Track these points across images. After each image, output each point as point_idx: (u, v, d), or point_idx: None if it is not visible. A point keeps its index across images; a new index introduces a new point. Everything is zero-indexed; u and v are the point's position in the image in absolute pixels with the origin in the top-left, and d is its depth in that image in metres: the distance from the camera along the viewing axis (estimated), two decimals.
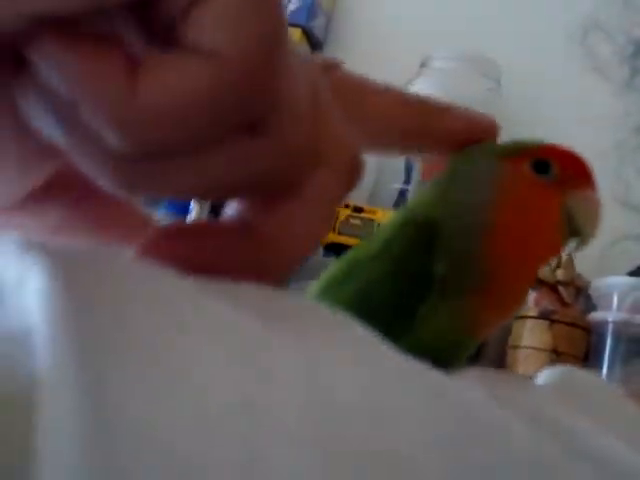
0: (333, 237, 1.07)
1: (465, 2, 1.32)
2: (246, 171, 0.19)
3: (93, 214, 0.24)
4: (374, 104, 0.29)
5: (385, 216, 1.05)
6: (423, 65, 1.19)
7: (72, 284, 0.15)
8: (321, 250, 1.12)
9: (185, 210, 0.91)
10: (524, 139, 0.31)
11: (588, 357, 1.06)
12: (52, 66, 0.17)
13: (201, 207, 0.91)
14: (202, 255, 0.20)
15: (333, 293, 0.30)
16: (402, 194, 1.13)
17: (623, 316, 1.01)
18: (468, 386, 0.20)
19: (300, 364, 0.16)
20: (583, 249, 0.30)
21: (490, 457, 0.17)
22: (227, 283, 0.19)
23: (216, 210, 0.94)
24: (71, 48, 0.17)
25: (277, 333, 0.17)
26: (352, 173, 0.23)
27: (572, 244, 0.30)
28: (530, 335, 1.06)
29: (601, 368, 1.02)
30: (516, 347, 1.07)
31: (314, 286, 0.31)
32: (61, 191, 0.23)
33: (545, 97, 1.25)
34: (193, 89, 0.17)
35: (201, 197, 0.21)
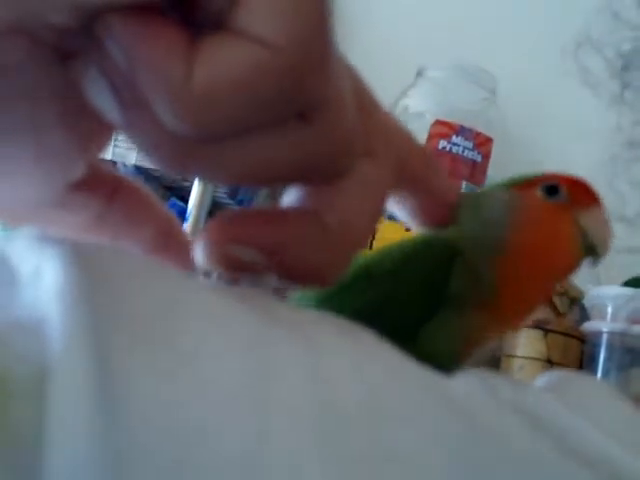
0: None
1: (460, 13, 1.32)
2: (294, 157, 0.20)
3: (124, 213, 0.24)
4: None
5: (382, 224, 1.05)
6: (419, 75, 1.19)
7: (86, 276, 0.16)
8: None
9: (182, 217, 0.91)
10: (528, 173, 0.32)
11: (582, 367, 1.06)
12: (116, 42, 0.17)
13: (198, 213, 0.92)
14: (276, 238, 0.21)
15: (340, 302, 0.31)
16: None
17: (617, 326, 1.02)
18: (468, 386, 0.20)
19: (306, 356, 0.17)
20: (597, 265, 0.31)
21: (490, 456, 0.17)
22: (239, 288, 0.20)
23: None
24: (135, 25, 0.17)
25: (283, 329, 0.18)
26: (400, 169, 0.23)
27: (588, 261, 0.31)
28: (524, 345, 1.06)
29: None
30: (510, 356, 1.07)
31: (312, 293, 0.31)
32: (94, 190, 0.23)
33: (539, 110, 1.26)
34: (247, 72, 0.17)
35: (248, 182, 0.21)
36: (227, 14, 0.17)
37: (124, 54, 0.17)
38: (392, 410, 0.17)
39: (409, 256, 0.31)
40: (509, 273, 0.29)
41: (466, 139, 1.12)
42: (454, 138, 1.11)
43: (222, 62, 0.17)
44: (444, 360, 0.28)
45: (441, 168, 0.27)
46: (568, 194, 0.30)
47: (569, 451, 0.19)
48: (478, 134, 1.13)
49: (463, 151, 1.12)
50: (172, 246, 0.25)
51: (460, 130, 1.12)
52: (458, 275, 0.29)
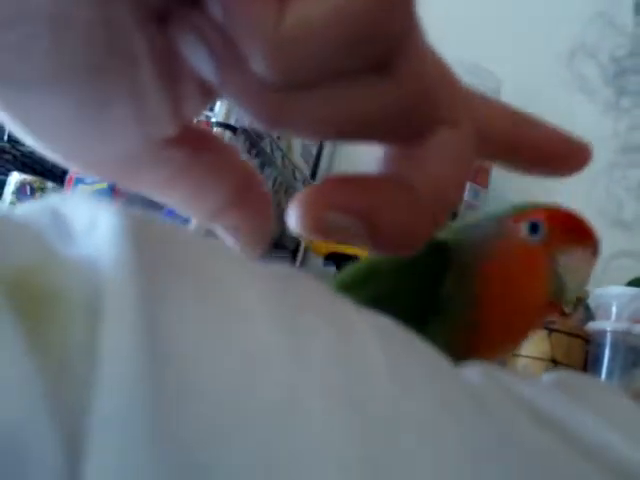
0: (333, 247, 1.08)
1: (463, 16, 1.32)
2: (379, 107, 0.20)
3: (207, 165, 0.25)
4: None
5: None
6: None
7: (140, 226, 0.17)
8: (321, 260, 1.12)
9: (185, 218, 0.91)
10: (526, 202, 0.34)
11: (586, 367, 1.06)
12: None
13: (199, 227, 0.92)
14: (369, 203, 0.21)
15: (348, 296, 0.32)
16: None
17: (622, 326, 1.01)
18: (475, 375, 0.21)
19: (333, 329, 0.18)
20: (578, 308, 0.33)
21: (499, 440, 0.18)
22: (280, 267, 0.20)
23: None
24: None
25: (315, 305, 0.18)
26: (485, 138, 0.24)
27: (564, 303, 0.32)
28: (528, 344, 1.06)
29: (599, 377, 1.02)
30: (514, 356, 1.07)
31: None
32: (182, 143, 0.24)
33: (539, 114, 1.25)
34: (334, 14, 0.18)
35: (334, 136, 0.22)
36: None
37: (221, 6, 0.18)
38: (413, 382, 0.17)
39: (414, 258, 0.32)
40: (486, 295, 0.31)
41: None
42: None
43: (311, 8, 0.18)
44: None
45: (537, 120, 0.27)
46: (549, 233, 0.32)
47: (572, 442, 0.19)
48: None
49: None
50: (252, 200, 0.25)
51: None
52: (449, 280, 0.31)
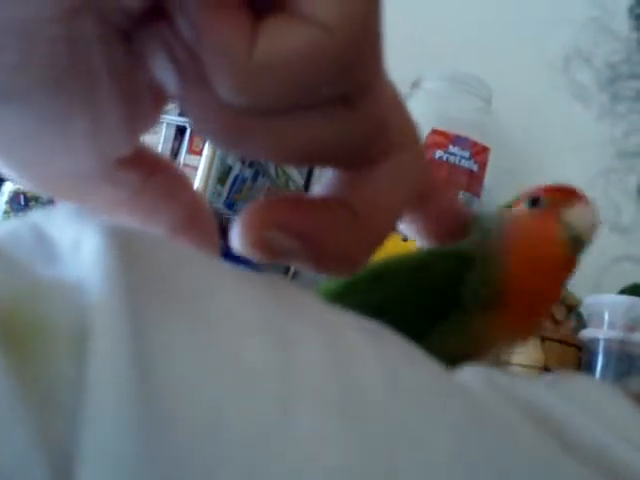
0: None
1: (455, 24, 1.33)
2: (338, 137, 0.21)
3: (159, 191, 0.25)
4: None
5: None
6: (414, 85, 1.19)
7: (124, 244, 0.17)
8: None
9: None
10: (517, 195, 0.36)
11: None
12: (188, 17, 0.19)
13: None
14: (312, 224, 0.22)
15: (356, 297, 0.33)
16: None
17: (615, 334, 1.02)
18: (472, 378, 0.21)
19: (325, 339, 0.17)
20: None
21: (497, 446, 0.18)
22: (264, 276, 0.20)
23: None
24: (207, 4, 0.19)
25: (303, 315, 0.18)
26: (426, 159, 0.25)
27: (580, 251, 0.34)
28: (521, 352, 1.06)
29: None
30: (507, 364, 1.07)
31: (327, 287, 0.34)
32: (131, 168, 0.24)
33: (534, 122, 1.26)
34: (304, 49, 0.19)
35: (291, 160, 0.23)
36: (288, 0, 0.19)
37: (193, 28, 0.19)
38: (407, 393, 0.17)
39: (424, 265, 0.34)
40: (511, 273, 0.32)
41: (462, 149, 1.12)
42: (451, 148, 1.12)
43: (281, 40, 0.19)
44: (454, 363, 0.31)
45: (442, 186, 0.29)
46: (549, 201, 0.34)
47: (568, 445, 0.19)
48: (474, 143, 1.14)
49: (460, 161, 1.12)
50: (199, 226, 0.25)
51: (456, 140, 1.12)
52: (469, 283, 0.32)
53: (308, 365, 0.16)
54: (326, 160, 0.22)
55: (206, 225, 0.26)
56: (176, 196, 0.25)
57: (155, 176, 0.24)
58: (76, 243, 0.17)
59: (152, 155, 0.25)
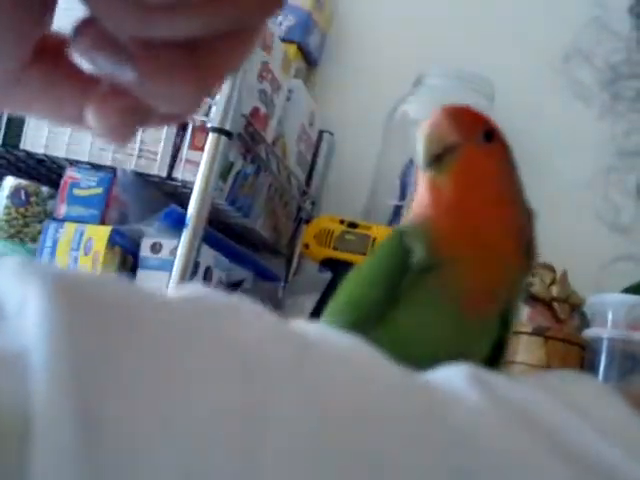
0: (328, 252, 1.07)
1: (458, 22, 1.32)
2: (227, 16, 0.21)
3: (61, 85, 0.25)
4: None
5: (380, 231, 1.05)
6: (417, 82, 1.19)
7: (71, 309, 0.16)
8: (317, 265, 1.12)
9: (181, 223, 0.91)
10: None
11: None
12: None
13: (197, 219, 0.92)
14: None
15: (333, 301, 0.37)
16: (397, 210, 1.13)
17: (618, 333, 1.01)
18: (454, 384, 0.21)
19: (294, 363, 0.17)
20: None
21: (475, 460, 0.18)
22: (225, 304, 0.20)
23: (209, 237, 0.94)
24: None
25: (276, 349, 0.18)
26: None
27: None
28: (524, 351, 1.06)
29: None
30: (510, 363, 1.07)
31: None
32: (35, 66, 0.24)
33: (535, 120, 1.26)
34: None
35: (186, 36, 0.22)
36: None
37: None
38: (379, 419, 0.17)
39: (381, 245, 0.37)
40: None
41: None
42: None
43: None
44: (434, 321, 0.34)
45: None
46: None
47: (560, 451, 0.19)
48: None
49: None
50: (110, 99, 0.24)
51: None
52: (416, 254, 0.34)
53: (275, 403, 0.16)
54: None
55: (114, 96, 0.25)
56: (81, 79, 0.25)
57: (59, 65, 0.24)
58: (21, 303, 0.16)
59: (55, 43, 0.25)
